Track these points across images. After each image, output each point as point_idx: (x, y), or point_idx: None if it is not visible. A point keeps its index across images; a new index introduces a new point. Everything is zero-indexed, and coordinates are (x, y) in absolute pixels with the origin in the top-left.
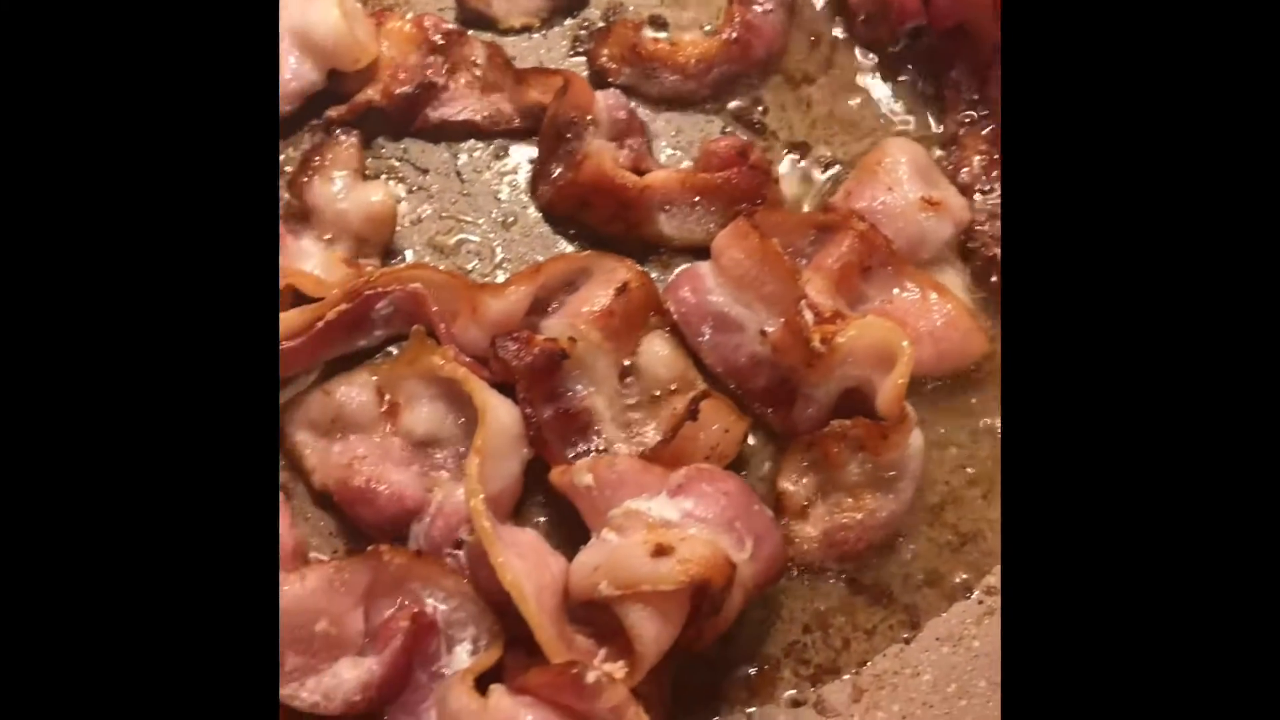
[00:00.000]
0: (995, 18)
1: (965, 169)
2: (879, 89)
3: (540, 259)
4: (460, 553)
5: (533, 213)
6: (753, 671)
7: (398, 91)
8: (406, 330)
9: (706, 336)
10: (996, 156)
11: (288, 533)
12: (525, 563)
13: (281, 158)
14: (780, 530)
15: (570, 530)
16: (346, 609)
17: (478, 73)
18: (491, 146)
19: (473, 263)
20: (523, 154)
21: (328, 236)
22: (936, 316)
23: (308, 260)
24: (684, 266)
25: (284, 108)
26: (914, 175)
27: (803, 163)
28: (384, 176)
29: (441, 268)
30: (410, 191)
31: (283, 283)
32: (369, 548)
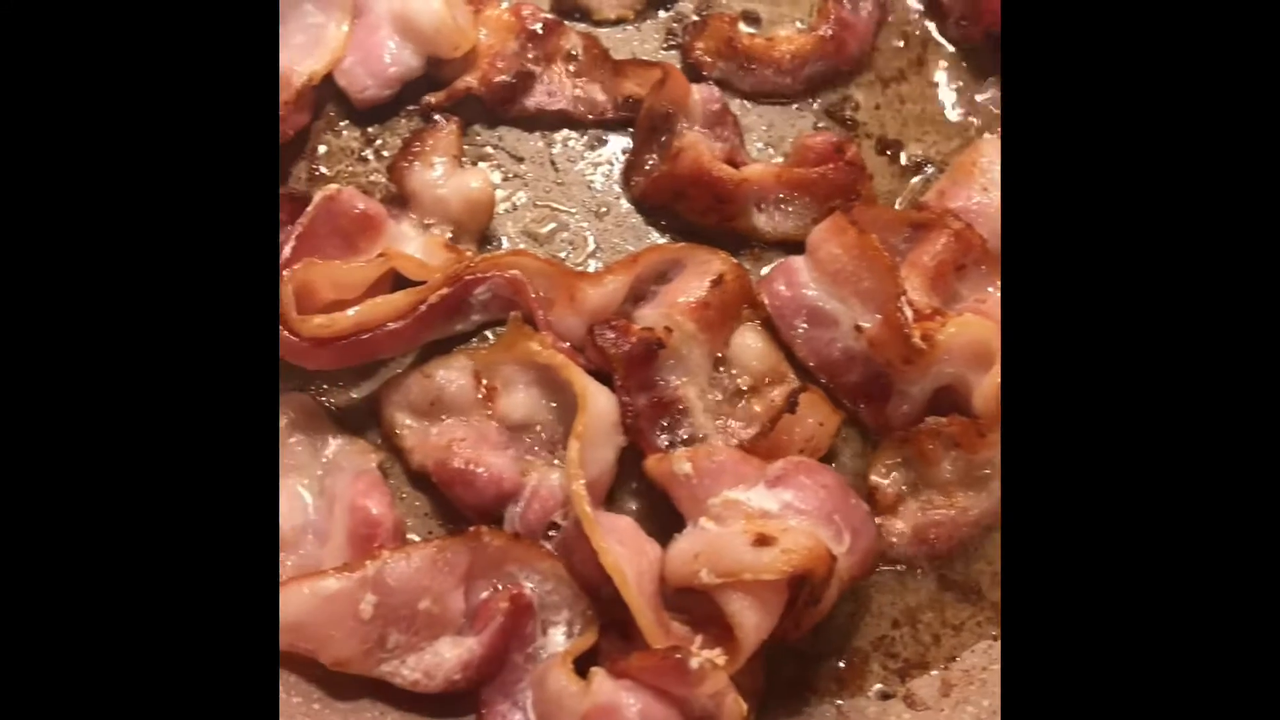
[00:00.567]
0: None
1: None
2: (971, 89)
3: (632, 249)
4: (554, 536)
5: (625, 203)
6: (842, 664)
7: (496, 79)
8: (502, 316)
9: (800, 330)
10: None
11: (388, 512)
12: (624, 548)
13: (378, 142)
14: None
15: (662, 518)
16: (449, 588)
17: (574, 63)
18: (586, 136)
19: (565, 251)
20: (617, 144)
21: (427, 221)
22: None
23: (408, 244)
24: (777, 260)
25: (382, 93)
26: None
27: (895, 161)
28: (480, 163)
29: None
30: (505, 179)
31: (385, 264)
32: (469, 529)
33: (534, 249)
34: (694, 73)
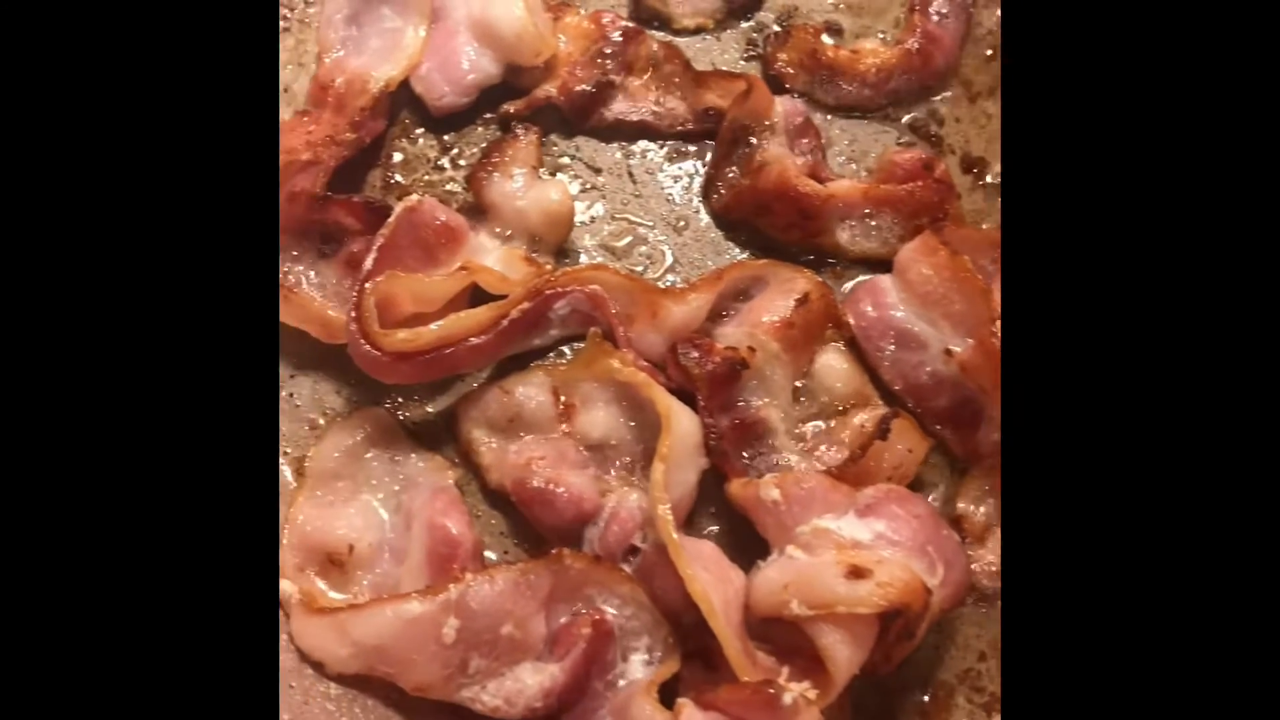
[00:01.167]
0: None
1: None
2: None
3: (711, 265)
4: (633, 559)
5: (704, 217)
6: (926, 698)
7: (575, 89)
8: (580, 331)
9: (886, 352)
10: None
11: (467, 531)
12: (709, 575)
13: (454, 150)
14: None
15: (742, 542)
16: (531, 612)
17: (654, 73)
18: (665, 148)
19: (642, 265)
20: (696, 156)
21: (506, 233)
22: None
23: (486, 255)
24: (859, 278)
25: (460, 100)
26: None
27: (981, 180)
28: (557, 174)
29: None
30: (583, 190)
31: (468, 278)
32: (551, 551)
33: (611, 263)
34: (776, 84)
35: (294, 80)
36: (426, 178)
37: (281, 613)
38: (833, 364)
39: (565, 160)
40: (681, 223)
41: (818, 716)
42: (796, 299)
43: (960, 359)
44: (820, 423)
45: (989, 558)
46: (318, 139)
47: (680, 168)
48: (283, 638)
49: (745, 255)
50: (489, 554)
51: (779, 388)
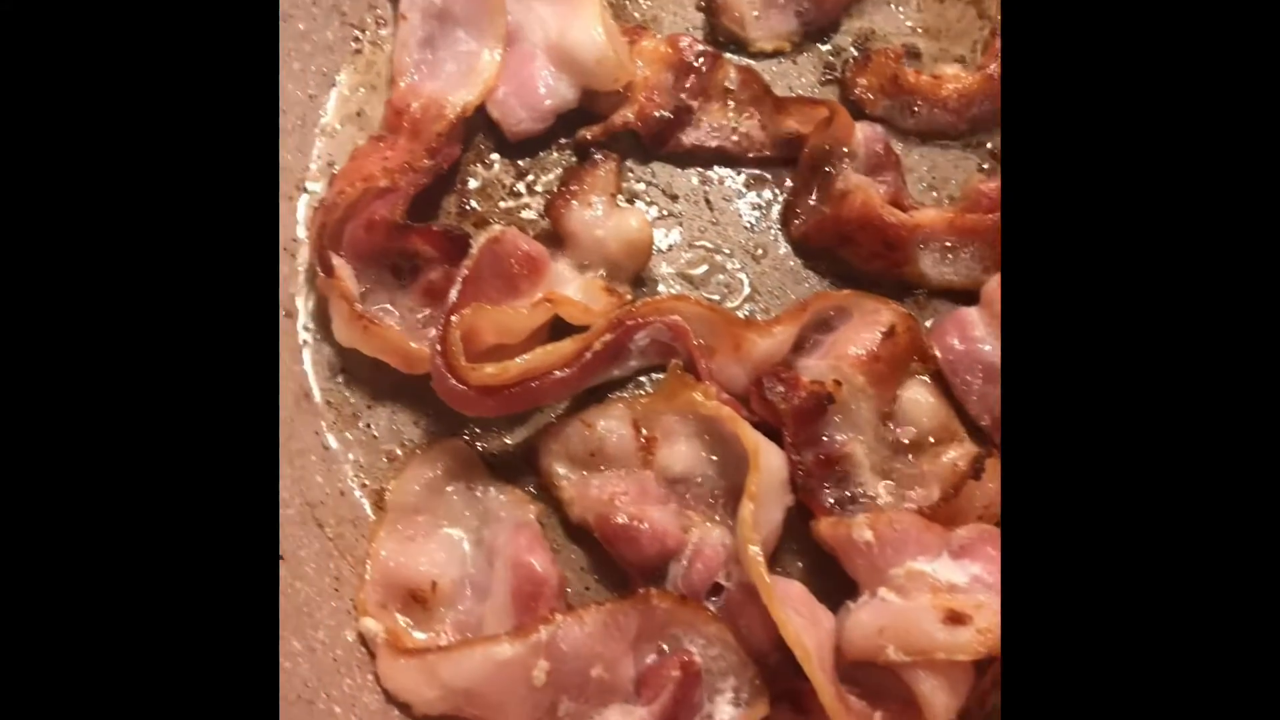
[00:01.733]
0: None
1: None
2: None
3: (791, 294)
4: (717, 597)
5: (782, 245)
6: None
7: (653, 114)
8: (659, 361)
9: (974, 386)
10: None
11: (551, 569)
12: (801, 619)
13: (530, 176)
14: None
15: (827, 580)
16: (619, 654)
17: (732, 98)
18: (742, 174)
19: (720, 294)
20: (774, 183)
21: (584, 261)
22: None
23: (566, 285)
24: (941, 308)
25: (536, 126)
26: None
27: None
28: (634, 201)
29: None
30: (659, 217)
31: (552, 310)
32: (639, 591)
33: (688, 291)
34: (854, 109)
35: (366, 103)
36: (502, 204)
37: (367, 652)
38: (919, 398)
39: (641, 187)
40: (760, 250)
41: None
42: (882, 331)
43: None
44: (906, 457)
45: None
46: (395, 165)
47: (758, 194)
48: (369, 679)
49: (825, 284)
50: (570, 589)
51: (864, 422)
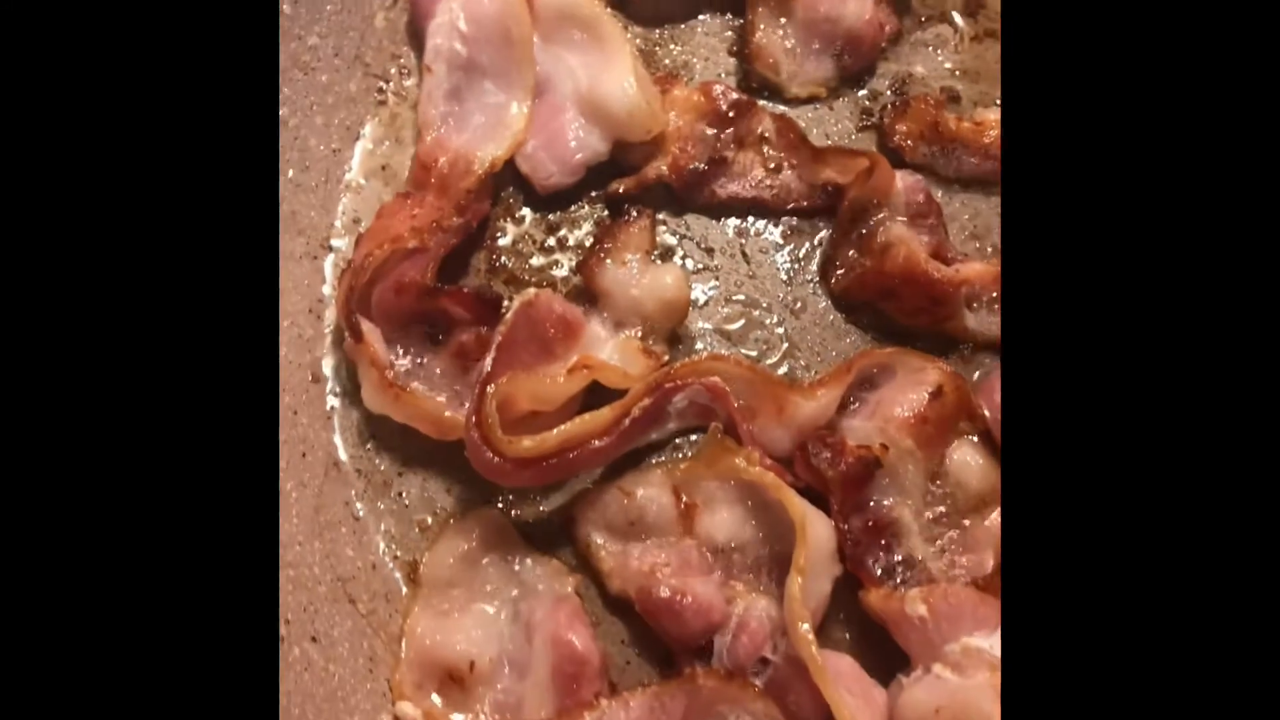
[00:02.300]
0: None
1: None
2: None
3: (831, 350)
4: (763, 671)
5: (822, 298)
6: None
7: (687, 166)
8: (699, 423)
9: None
10: None
11: (593, 646)
12: (854, 698)
13: (562, 231)
14: None
15: (876, 651)
16: None
17: (767, 147)
18: (779, 225)
19: (758, 351)
20: (812, 234)
21: (620, 320)
22: None
23: (601, 346)
24: (988, 362)
25: (567, 180)
26: None
27: None
28: (668, 255)
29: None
30: (695, 272)
31: (589, 376)
32: (684, 671)
33: (725, 348)
34: (893, 157)
35: (391, 157)
36: (534, 260)
37: None
38: (968, 460)
39: (675, 240)
40: (799, 304)
41: None
42: (930, 392)
43: None
44: (955, 519)
45: None
46: (423, 224)
47: (796, 246)
48: None
49: (866, 338)
50: (612, 664)
51: (913, 485)
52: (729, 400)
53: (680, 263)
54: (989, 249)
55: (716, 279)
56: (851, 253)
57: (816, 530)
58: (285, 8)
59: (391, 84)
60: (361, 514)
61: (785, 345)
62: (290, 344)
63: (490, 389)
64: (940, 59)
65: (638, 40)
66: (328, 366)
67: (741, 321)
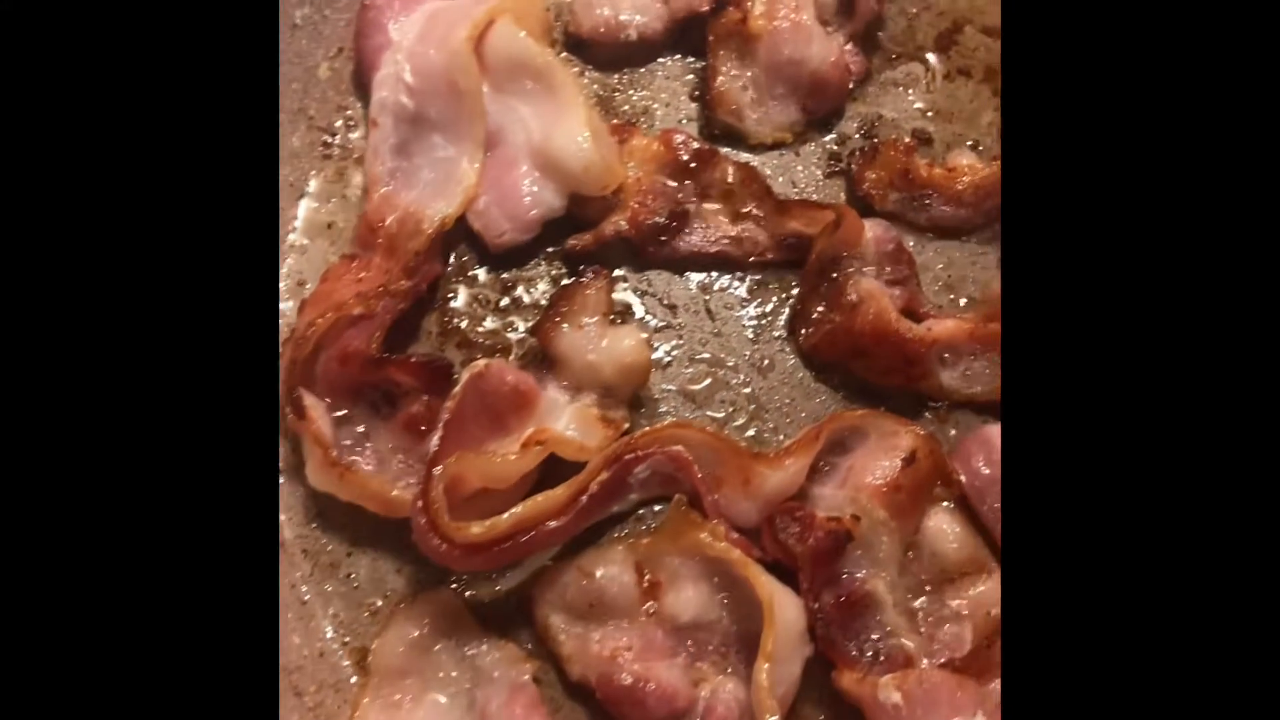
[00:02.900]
0: None
1: None
2: None
3: (800, 410)
4: None
5: (790, 356)
6: None
7: (647, 221)
8: (663, 493)
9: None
10: None
11: None
12: None
13: (518, 291)
14: None
15: None
16: None
17: (731, 198)
18: (745, 280)
19: (724, 412)
20: (779, 287)
21: (578, 385)
22: None
23: (559, 415)
24: (964, 421)
25: (521, 236)
26: None
27: None
28: (629, 310)
29: (692, 418)
30: (657, 330)
31: (544, 453)
32: None
33: (689, 410)
34: (863, 205)
35: (337, 214)
36: (488, 323)
37: None
38: (944, 527)
39: (636, 298)
40: (766, 363)
41: None
42: (902, 458)
43: None
44: (934, 593)
45: None
46: (369, 289)
47: (763, 302)
48: None
49: (837, 398)
50: None
51: (887, 557)
52: (693, 470)
53: (642, 320)
54: (963, 300)
55: (680, 337)
56: (820, 308)
57: (785, 611)
58: None
59: (337, 137)
60: (308, 597)
61: (752, 407)
62: None
63: (437, 471)
64: (911, 99)
65: (595, 86)
66: None
67: (707, 381)
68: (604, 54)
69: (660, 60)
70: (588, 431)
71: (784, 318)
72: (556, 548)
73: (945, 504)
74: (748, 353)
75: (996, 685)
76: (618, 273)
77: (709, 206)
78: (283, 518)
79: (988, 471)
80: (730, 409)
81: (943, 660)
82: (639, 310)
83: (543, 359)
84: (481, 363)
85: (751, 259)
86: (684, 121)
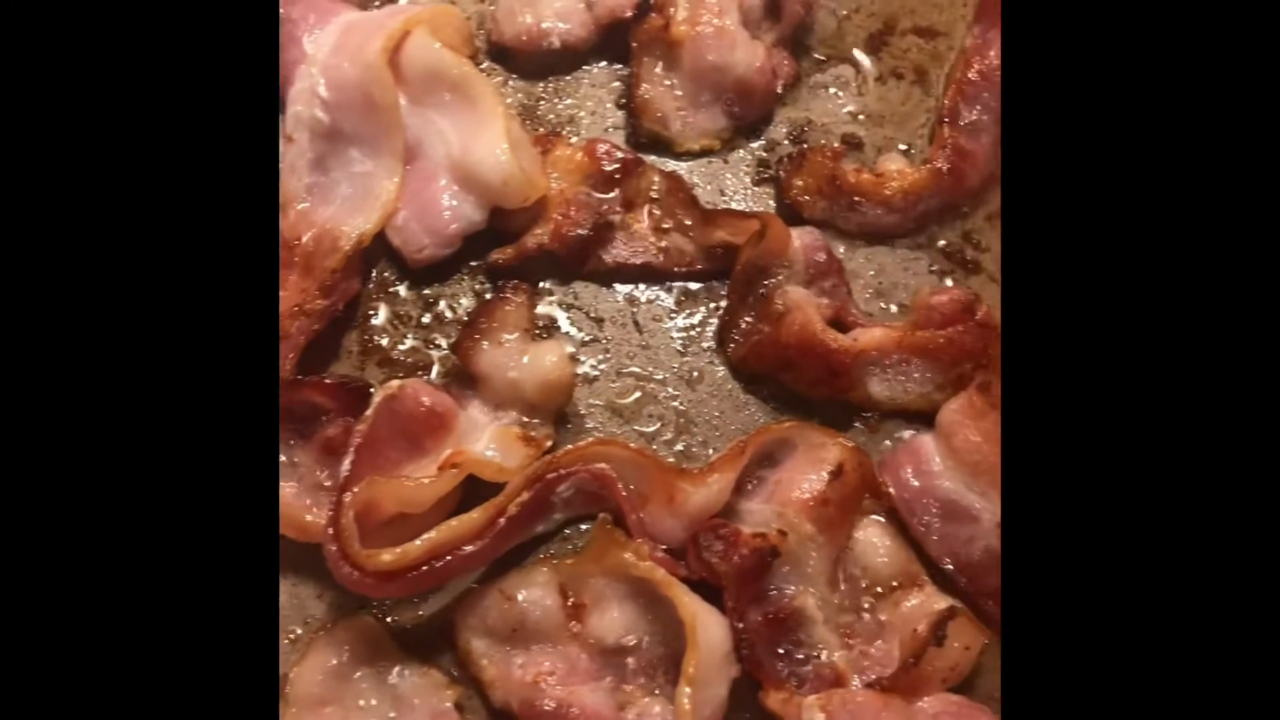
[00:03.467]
0: None
1: None
2: None
3: (730, 424)
4: None
5: (719, 368)
6: None
7: (571, 233)
8: (589, 512)
9: (932, 525)
10: None
11: None
12: None
13: (440, 306)
14: None
15: None
16: None
17: (656, 208)
18: (673, 291)
19: (653, 426)
20: (707, 300)
21: (500, 403)
22: None
23: (479, 436)
24: (896, 431)
25: (441, 251)
26: None
27: None
28: (555, 323)
29: (620, 433)
30: (583, 344)
31: (459, 475)
32: None
33: (617, 425)
34: (791, 213)
35: None
36: (409, 340)
37: None
38: (874, 540)
39: (562, 311)
40: (695, 375)
41: None
42: (830, 471)
43: None
44: (864, 604)
45: None
46: (285, 309)
47: (691, 313)
48: None
49: (767, 409)
50: None
51: (816, 572)
52: (616, 488)
53: (567, 335)
54: (895, 307)
55: (607, 351)
56: (748, 319)
57: (709, 632)
58: None
59: None
60: None
61: (681, 420)
62: None
63: (347, 498)
64: (841, 102)
65: (520, 95)
66: None
67: (635, 395)
68: (528, 62)
69: (586, 68)
70: (508, 451)
71: (713, 329)
72: (479, 571)
73: (875, 516)
74: (676, 365)
75: (926, 704)
76: (544, 285)
77: (634, 217)
78: None
79: (917, 483)
80: (659, 423)
81: (872, 678)
82: (564, 324)
83: (465, 377)
84: (395, 383)
85: (679, 270)
86: (610, 130)
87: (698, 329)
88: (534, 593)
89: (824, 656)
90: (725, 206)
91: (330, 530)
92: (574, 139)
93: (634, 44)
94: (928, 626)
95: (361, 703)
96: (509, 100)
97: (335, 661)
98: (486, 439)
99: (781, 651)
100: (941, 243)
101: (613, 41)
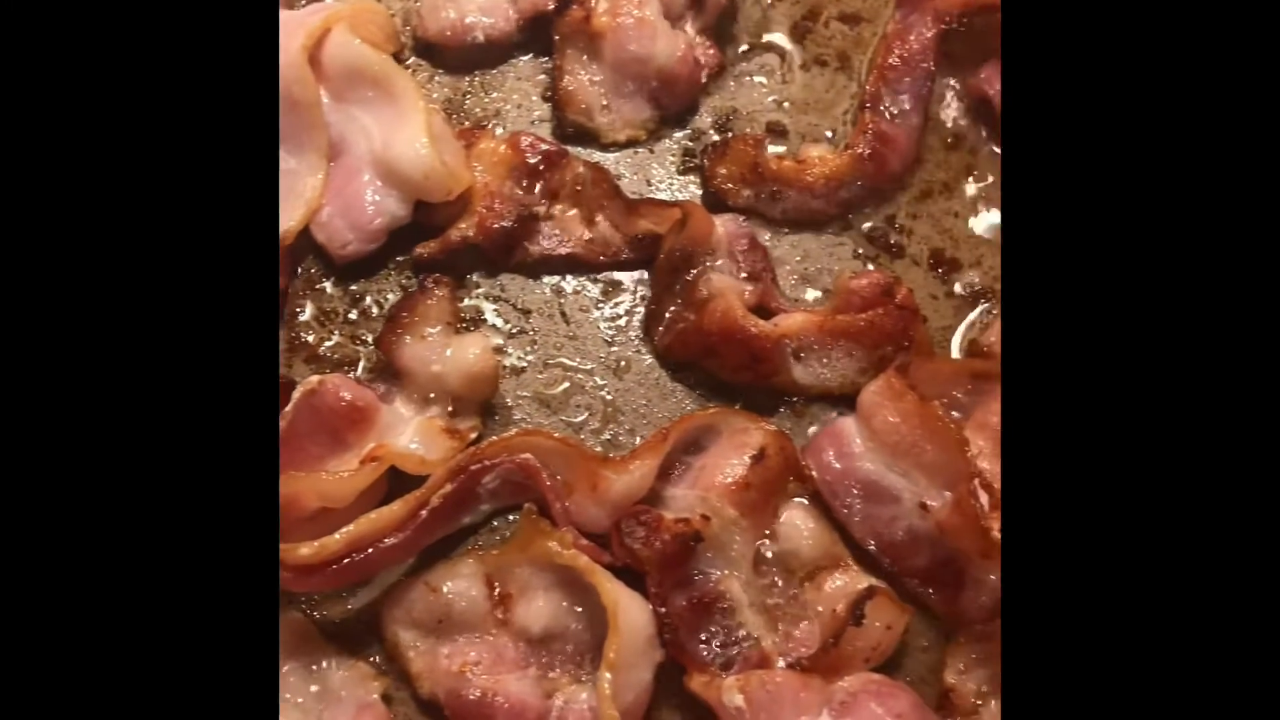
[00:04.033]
0: None
1: None
2: None
3: (657, 411)
4: None
5: (646, 357)
6: None
7: (495, 226)
8: (516, 502)
9: (855, 507)
10: None
11: None
12: None
13: (366, 300)
14: None
15: None
16: None
17: (581, 200)
18: (599, 282)
19: (581, 415)
20: (633, 288)
21: (426, 397)
22: None
23: (402, 430)
24: (821, 414)
25: (366, 247)
26: None
27: (949, 290)
28: (481, 316)
29: (547, 423)
30: (510, 336)
31: (380, 469)
32: None
33: (544, 416)
34: (716, 201)
35: None
36: (336, 336)
37: None
38: (797, 523)
39: (489, 304)
40: (622, 364)
41: None
42: (752, 455)
43: (937, 516)
44: (789, 589)
45: None
46: None
47: (616, 302)
48: None
49: (694, 396)
50: None
51: (739, 555)
52: (541, 478)
53: (494, 327)
54: (820, 292)
55: (534, 342)
56: (673, 307)
57: (630, 617)
58: None
59: None
60: None
61: (608, 409)
62: None
63: None
64: (765, 90)
65: (446, 90)
66: None
67: (563, 386)
68: (454, 57)
69: (512, 61)
70: (431, 444)
71: (639, 318)
72: (406, 564)
73: (799, 500)
74: (603, 355)
75: (845, 683)
76: (470, 278)
77: (560, 209)
78: None
79: (839, 465)
80: (586, 413)
81: (795, 659)
82: (491, 317)
83: (390, 372)
84: (315, 379)
85: (605, 260)
86: (537, 123)
87: (624, 318)
88: (460, 584)
89: (749, 639)
90: (650, 196)
91: None
92: (499, 132)
93: (556, 36)
94: (846, 606)
95: (289, 696)
96: (435, 95)
97: None
98: (410, 432)
99: (706, 636)
100: (866, 226)
101: (537, 35)
